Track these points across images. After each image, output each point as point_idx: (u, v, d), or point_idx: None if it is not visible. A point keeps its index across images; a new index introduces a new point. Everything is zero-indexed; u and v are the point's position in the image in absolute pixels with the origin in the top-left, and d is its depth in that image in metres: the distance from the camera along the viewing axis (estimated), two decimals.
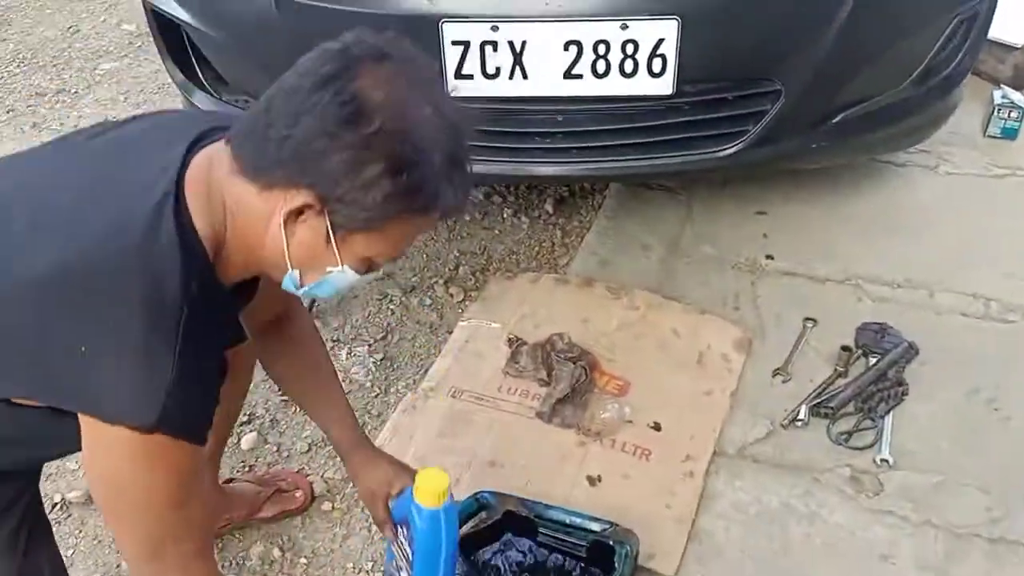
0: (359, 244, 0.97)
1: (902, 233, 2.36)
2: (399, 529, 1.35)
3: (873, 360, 1.97)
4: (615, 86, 1.82)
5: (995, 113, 2.72)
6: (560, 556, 1.55)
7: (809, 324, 2.08)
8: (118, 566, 1.63)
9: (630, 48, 1.77)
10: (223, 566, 1.64)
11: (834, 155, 2.20)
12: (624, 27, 1.74)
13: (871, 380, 1.92)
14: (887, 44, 1.92)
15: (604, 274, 2.24)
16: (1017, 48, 2.91)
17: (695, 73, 1.83)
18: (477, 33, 1.75)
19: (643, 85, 1.82)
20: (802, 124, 2.00)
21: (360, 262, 1.00)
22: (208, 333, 0.98)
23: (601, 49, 1.77)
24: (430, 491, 1.25)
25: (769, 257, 2.29)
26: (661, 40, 1.76)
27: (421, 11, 1.73)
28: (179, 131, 1.04)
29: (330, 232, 0.95)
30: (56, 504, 1.72)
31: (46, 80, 3.13)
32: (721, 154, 1.98)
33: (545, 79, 1.81)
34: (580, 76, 1.80)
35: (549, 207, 2.49)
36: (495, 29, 1.74)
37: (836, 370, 1.96)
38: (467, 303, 2.19)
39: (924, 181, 2.57)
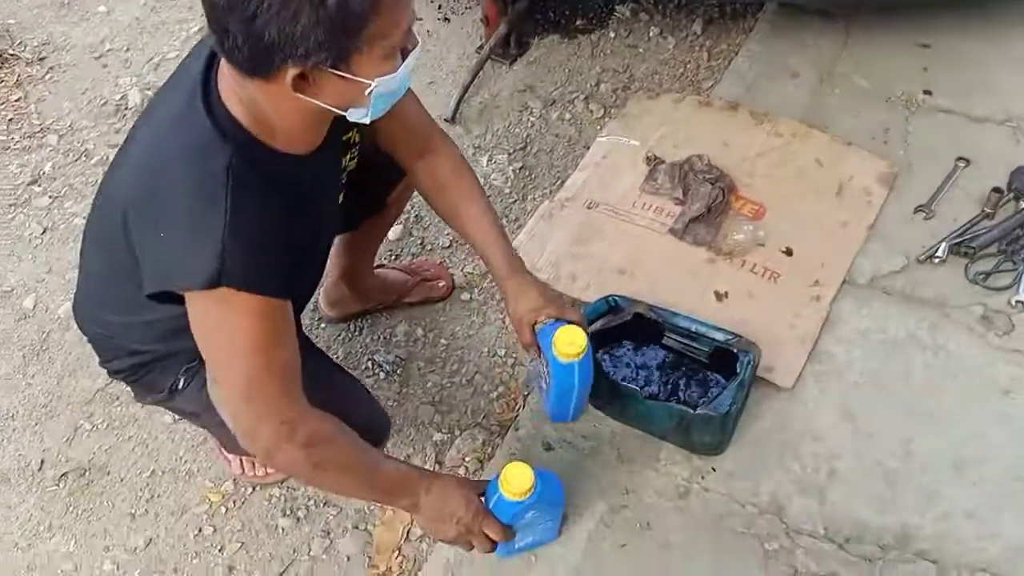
0: (366, 57, 1.01)
1: None
2: (542, 353, 1.41)
3: None
4: None
5: None
6: (683, 359, 1.63)
7: (961, 164, 2.01)
8: None
9: None
10: (372, 340, 1.80)
11: None
12: None
13: (1019, 223, 1.86)
14: None
15: (749, 99, 2.19)
16: None
17: None
18: None
19: None
20: None
21: (382, 63, 1.03)
22: (264, 195, 1.08)
23: None
24: (568, 347, 1.32)
25: (927, 92, 2.18)
26: None
27: None
28: (194, 56, 1.15)
29: (337, 72, 1.01)
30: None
31: None
32: None
33: None
34: None
35: (697, 28, 2.42)
36: None
37: (983, 211, 1.90)
38: (606, 120, 2.20)
39: None
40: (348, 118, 1.10)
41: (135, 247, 1.14)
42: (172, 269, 1.09)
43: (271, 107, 1.08)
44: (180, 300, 1.12)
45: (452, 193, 1.43)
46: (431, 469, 1.62)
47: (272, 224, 1.10)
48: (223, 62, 1.07)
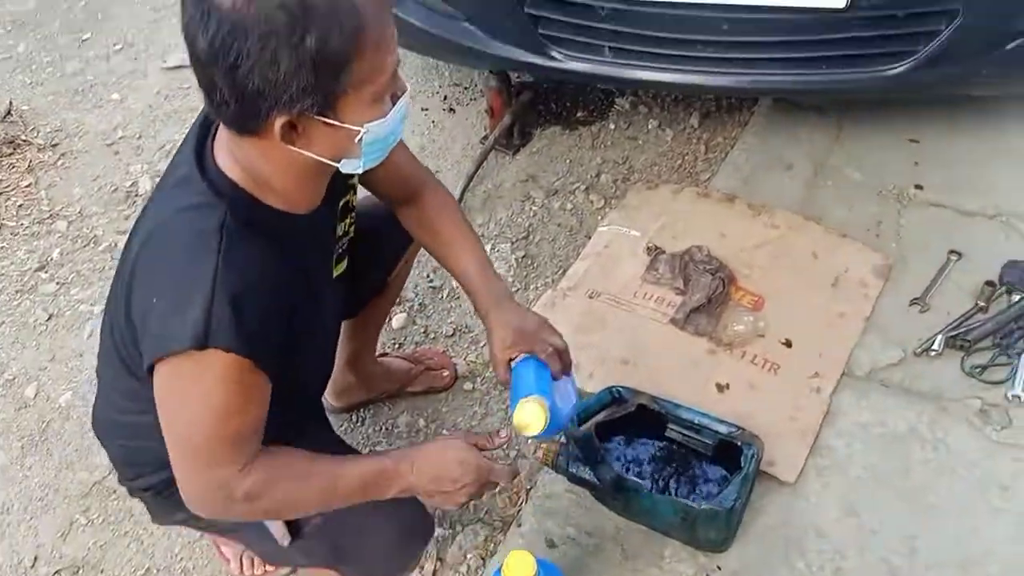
0: (353, 102, 1.01)
1: None
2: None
3: (1017, 298, 1.93)
4: None
5: None
6: (686, 452, 1.64)
7: (953, 257, 2.05)
8: None
9: None
10: (374, 431, 1.80)
11: (1001, 84, 2.12)
12: None
13: (1012, 317, 1.89)
14: None
15: (746, 191, 2.25)
16: None
17: None
18: None
19: None
20: (974, 48, 1.92)
21: (370, 107, 1.03)
22: (259, 253, 1.08)
23: None
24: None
25: (918, 187, 2.24)
26: None
27: None
28: (191, 131, 1.17)
29: (325, 119, 1.01)
30: None
31: None
32: (887, 73, 1.94)
33: None
34: None
35: (695, 121, 2.49)
36: None
37: (977, 304, 1.94)
38: (607, 210, 2.25)
39: None
40: (342, 170, 1.11)
41: (136, 325, 1.12)
42: (164, 335, 1.06)
43: (266, 164, 1.08)
44: None
45: (440, 232, 1.44)
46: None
47: (266, 283, 1.08)
48: (218, 127, 1.09)
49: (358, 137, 1.04)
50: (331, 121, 1.02)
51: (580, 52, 2.00)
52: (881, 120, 2.43)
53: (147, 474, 1.33)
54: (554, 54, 2.00)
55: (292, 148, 1.03)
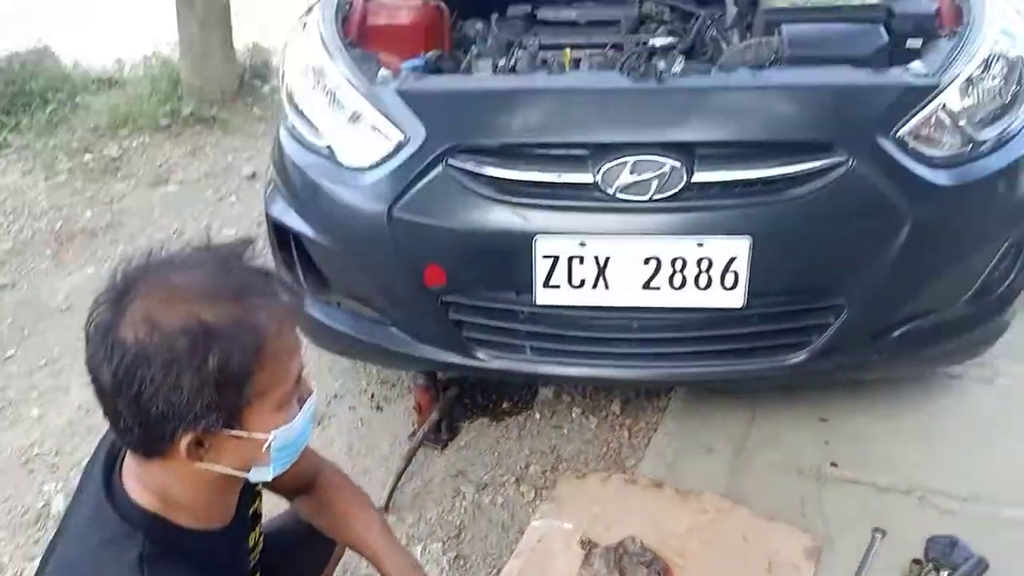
0: (257, 412, 1.04)
1: (960, 443, 2.37)
2: None
3: (944, 574, 1.95)
4: (690, 298, 1.95)
5: None
6: None
7: (878, 535, 2.08)
8: None
9: (705, 264, 1.91)
10: None
11: (894, 367, 2.29)
12: (700, 245, 1.90)
13: None
14: (942, 265, 2.04)
15: (672, 476, 2.28)
16: None
17: (764, 287, 1.96)
18: (566, 248, 1.91)
19: (716, 298, 1.95)
20: (863, 337, 2.09)
21: (276, 414, 1.06)
22: (184, 571, 1.07)
23: (678, 264, 1.92)
24: None
25: (833, 464, 2.32)
26: (733, 258, 1.91)
27: (517, 228, 1.92)
28: (95, 458, 1.20)
29: (230, 432, 1.04)
30: None
31: None
32: (786, 363, 2.08)
33: (625, 290, 1.95)
34: (658, 288, 1.95)
35: (616, 408, 2.58)
36: (583, 245, 1.91)
37: None
38: (538, 502, 2.24)
39: (981, 393, 2.60)
40: (250, 479, 1.10)
41: None
42: None
43: (175, 484, 1.07)
44: None
45: (340, 513, 1.42)
46: None
47: None
48: (125, 454, 1.09)
49: (266, 445, 1.06)
50: (237, 433, 1.03)
51: (503, 352, 2.10)
52: (791, 401, 2.56)
53: None
54: (479, 355, 2.10)
55: (200, 465, 1.04)
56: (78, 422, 2.57)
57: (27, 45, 4.84)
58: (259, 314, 1.03)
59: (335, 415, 2.56)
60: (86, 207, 3.78)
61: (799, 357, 2.08)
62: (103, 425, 2.43)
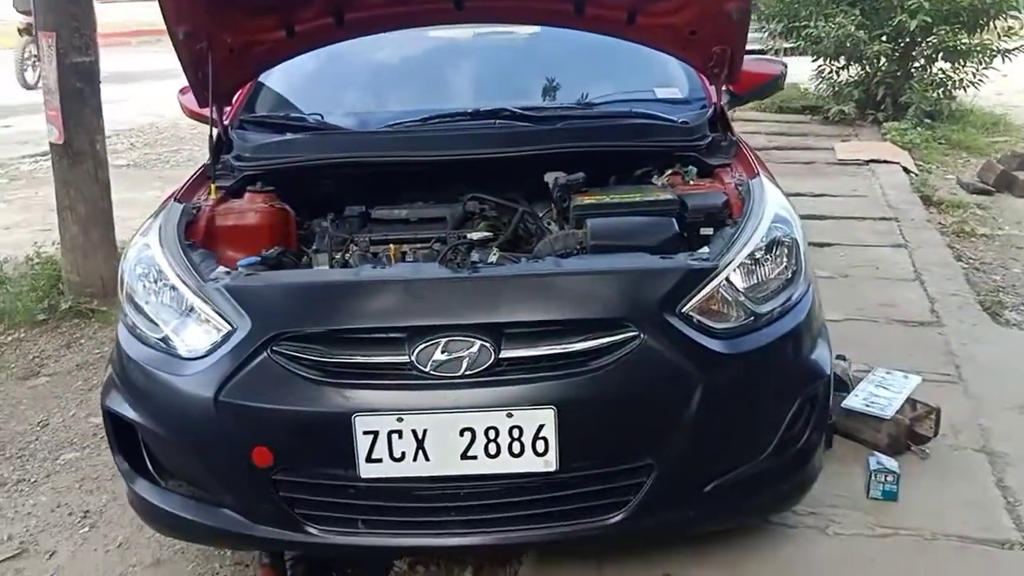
0: None
1: None
2: None
3: None
4: (505, 465, 2.09)
5: (872, 478, 3.00)
6: None
7: None
8: None
9: (516, 432, 2.07)
10: None
11: (711, 521, 2.43)
12: (509, 415, 2.07)
13: None
14: (738, 424, 2.25)
15: None
16: (887, 419, 3.29)
17: (575, 452, 2.12)
18: (384, 424, 2.05)
19: (530, 463, 2.10)
20: (677, 494, 2.25)
21: None
22: None
23: (492, 434, 2.07)
24: None
25: None
26: (542, 425, 2.07)
27: (336, 408, 2.06)
28: None
29: None
30: None
31: (9, 471, 3.35)
32: (607, 523, 2.21)
33: (444, 460, 2.09)
34: (475, 457, 2.09)
35: (468, 575, 2.63)
36: (400, 420, 2.06)
37: None
38: None
39: (816, 542, 2.75)
40: None
41: None
42: None
43: None
44: None
45: None
46: None
47: None
48: None
49: None
50: None
51: (336, 526, 2.18)
52: (635, 558, 2.66)
53: None
54: (312, 531, 2.17)
55: None
56: None
57: None
58: None
59: None
60: None
61: (618, 516, 2.21)
62: None
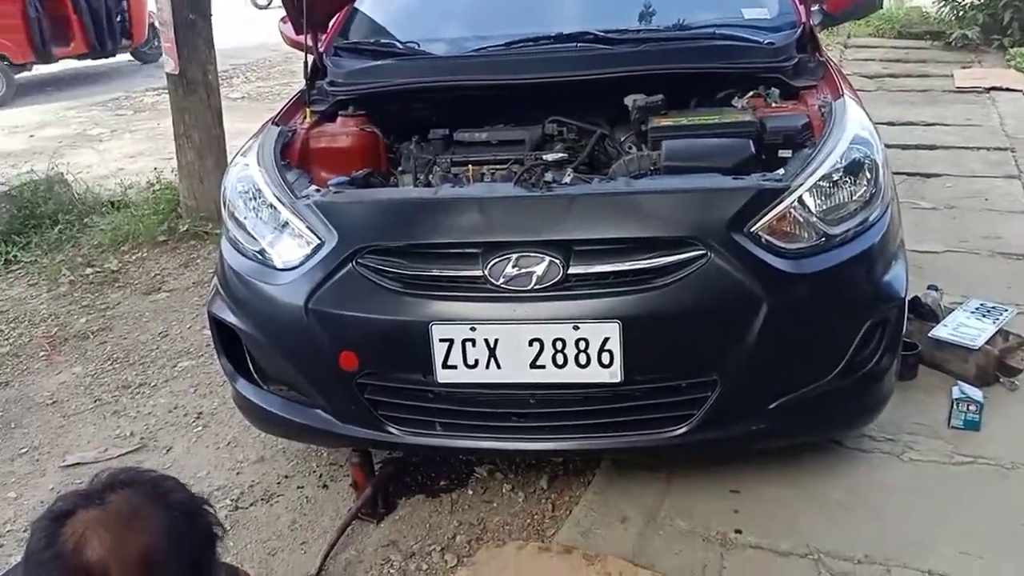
0: None
1: (864, 512, 2.54)
2: None
3: None
4: (572, 375, 2.21)
5: (955, 407, 2.97)
6: None
7: None
8: None
9: (582, 344, 2.18)
10: None
11: (776, 438, 2.49)
12: (576, 328, 2.17)
13: None
14: (804, 345, 2.28)
15: (584, 543, 2.47)
16: (975, 349, 3.23)
17: (639, 365, 2.21)
18: (459, 333, 2.19)
19: (595, 374, 2.20)
20: (741, 410, 2.32)
21: None
22: None
23: (559, 345, 2.18)
24: None
25: (738, 531, 2.50)
26: (607, 338, 2.17)
27: (415, 317, 2.21)
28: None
29: None
30: None
31: (132, 375, 3.69)
32: (671, 435, 2.30)
33: (515, 369, 2.22)
34: (543, 367, 2.20)
35: (544, 483, 2.79)
36: (473, 329, 2.19)
37: None
38: (458, 567, 2.44)
39: (890, 466, 2.77)
40: None
41: None
42: None
43: None
44: None
45: None
46: None
47: None
48: None
49: None
50: None
51: (415, 428, 2.36)
52: (706, 473, 2.75)
53: None
54: (393, 431, 2.36)
55: None
56: (49, 502, 2.82)
57: (43, 173, 5.34)
58: None
59: (283, 494, 2.80)
60: (81, 314, 4.15)
61: (683, 429, 2.31)
62: None
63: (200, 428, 3.25)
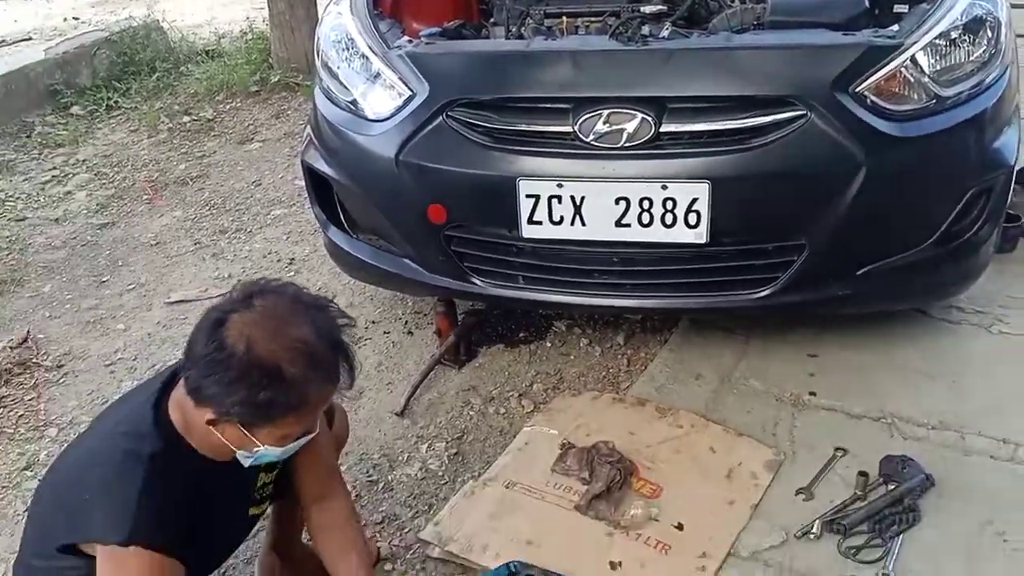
0: (265, 433, 1.43)
1: (945, 381, 2.53)
2: None
3: (892, 487, 2.15)
4: (657, 235, 2.21)
5: None
6: None
7: (839, 453, 2.29)
8: None
9: (669, 204, 2.17)
10: None
11: (861, 304, 2.47)
12: (664, 187, 2.15)
13: (886, 504, 2.10)
14: (900, 211, 2.22)
15: (658, 397, 2.55)
16: None
17: (726, 227, 2.19)
18: (545, 189, 2.20)
19: (681, 235, 2.20)
20: (827, 275, 2.29)
21: (276, 440, 1.45)
22: (177, 480, 1.45)
23: (645, 204, 2.18)
24: None
25: (812, 393, 2.53)
26: (695, 199, 2.15)
27: (502, 172, 2.22)
28: (157, 376, 1.60)
29: (238, 427, 1.41)
30: None
31: (229, 221, 3.85)
32: (754, 296, 2.31)
33: (600, 227, 2.23)
34: (628, 225, 2.21)
35: (620, 339, 2.85)
36: (560, 186, 2.20)
37: (855, 493, 2.16)
38: (535, 413, 2.56)
39: (977, 338, 2.74)
40: (237, 456, 1.49)
41: (61, 500, 1.48)
42: (86, 526, 1.41)
43: (194, 421, 1.45)
44: (83, 555, 1.43)
45: (337, 537, 1.74)
46: None
47: (178, 502, 1.44)
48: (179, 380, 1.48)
49: (255, 449, 1.46)
50: (243, 431, 1.42)
51: (499, 280, 2.42)
52: (784, 337, 2.77)
53: None
54: (477, 282, 2.42)
55: (210, 427, 1.43)
56: (156, 335, 3.05)
57: (140, 20, 5.42)
58: (313, 388, 1.40)
59: (370, 338, 2.94)
60: (180, 161, 4.30)
61: (767, 291, 2.30)
62: (178, 338, 2.90)
63: (292, 273, 3.39)
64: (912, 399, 2.47)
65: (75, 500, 1.45)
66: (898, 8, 2.43)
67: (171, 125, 4.66)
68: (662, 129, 2.15)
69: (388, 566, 2.08)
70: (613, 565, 2.00)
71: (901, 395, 2.49)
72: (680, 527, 2.09)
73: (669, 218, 2.18)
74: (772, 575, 1.98)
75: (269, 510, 1.90)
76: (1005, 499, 2.11)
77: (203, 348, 1.36)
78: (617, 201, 2.19)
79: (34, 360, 2.93)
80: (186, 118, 4.73)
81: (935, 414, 2.40)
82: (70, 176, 4.29)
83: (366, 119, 2.38)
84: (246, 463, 1.50)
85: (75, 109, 4.91)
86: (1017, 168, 2.36)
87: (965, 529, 2.05)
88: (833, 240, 2.23)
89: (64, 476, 1.54)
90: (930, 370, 2.59)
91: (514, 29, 2.59)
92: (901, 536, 2.04)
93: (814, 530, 2.07)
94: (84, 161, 4.44)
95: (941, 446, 2.30)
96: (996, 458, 2.26)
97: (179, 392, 1.47)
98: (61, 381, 2.87)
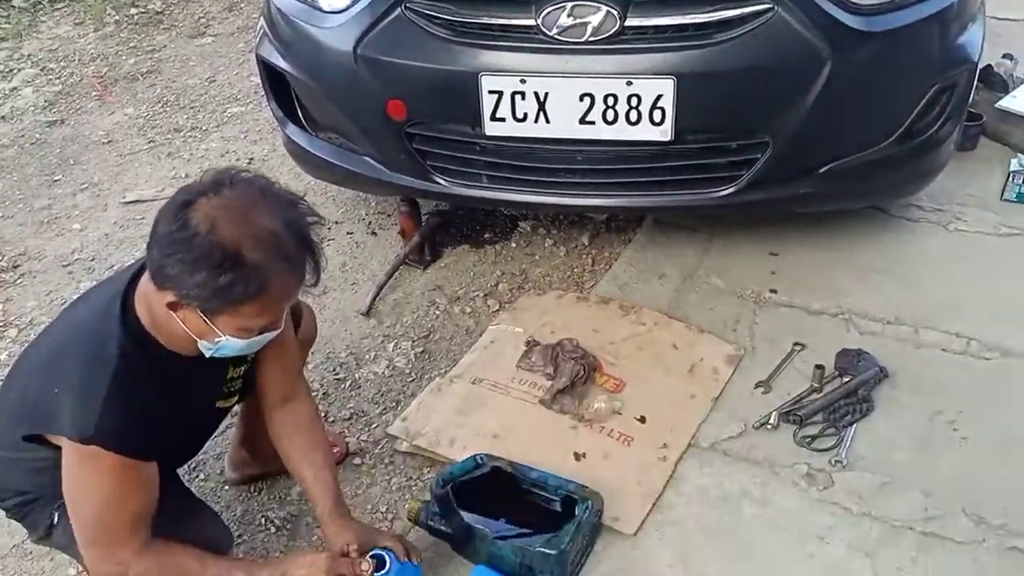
0: (225, 321, 1.40)
1: (902, 278, 2.59)
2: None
3: (846, 379, 2.22)
4: (622, 132, 2.18)
5: (1011, 179, 2.91)
6: (539, 509, 1.89)
7: (797, 348, 2.35)
8: None
9: (634, 101, 2.13)
10: (269, 499, 2.04)
11: (823, 202, 2.49)
12: (629, 83, 2.12)
13: (840, 396, 2.17)
14: (864, 108, 2.21)
15: (621, 296, 2.58)
16: None
17: (690, 124, 2.18)
18: (509, 85, 2.16)
19: (646, 132, 2.18)
20: (790, 172, 2.30)
21: (236, 331, 1.42)
22: (143, 378, 1.45)
23: (610, 101, 2.14)
24: None
25: (772, 291, 2.57)
26: (660, 95, 2.12)
27: (464, 67, 2.16)
28: (123, 271, 1.57)
29: (199, 314, 1.39)
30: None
31: (183, 119, 3.73)
32: (718, 194, 2.31)
33: (564, 124, 2.20)
34: (593, 123, 2.18)
35: (585, 239, 2.86)
36: (523, 82, 2.15)
37: (812, 386, 2.23)
38: (500, 312, 2.57)
39: (934, 235, 2.78)
40: (198, 345, 1.47)
41: (27, 393, 1.48)
42: (53, 419, 1.42)
43: (157, 310, 1.43)
44: (50, 446, 1.45)
45: (302, 438, 1.75)
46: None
47: (145, 402, 1.44)
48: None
49: (217, 339, 1.44)
50: (203, 317, 1.40)
51: (461, 179, 2.39)
52: (745, 236, 2.79)
53: (9, 497, 1.63)
54: (440, 181, 2.39)
55: (172, 313, 1.41)
56: (113, 235, 3.00)
57: None
58: (275, 278, 1.37)
59: (334, 238, 2.91)
60: (129, 55, 4.13)
61: (730, 189, 2.31)
62: (136, 238, 2.85)
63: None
64: (869, 296, 2.52)
65: (43, 395, 1.45)
66: None
67: (118, 17, 4.45)
68: (627, 23, 2.10)
69: (357, 460, 2.12)
70: (577, 456, 2.05)
71: (859, 292, 2.54)
72: (643, 420, 2.14)
73: (634, 115, 2.16)
74: (730, 463, 2.05)
75: (238, 407, 1.92)
76: (956, 390, 2.19)
77: (167, 226, 1.34)
78: (582, 98, 2.15)
79: None
80: (133, 10, 4.52)
81: (891, 310, 2.46)
82: (15, 72, 4.12)
83: (321, 10, 2.29)
84: (208, 353, 1.48)
85: (17, 1, 4.67)
86: (981, 67, 2.35)
87: (916, 419, 2.13)
88: (797, 137, 2.22)
89: (30, 371, 1.53)
90: (888, 267, 2.64)
91: None
92: (854, 426, 2.11)
93: (771, 421, 2.13)
94: (29, 56, 4.25)
95: (896, 340, 2.37)
96: (948, 351, 2.33)
97: (145, 284, 1.45)
98: (18, 282, 2.82)
